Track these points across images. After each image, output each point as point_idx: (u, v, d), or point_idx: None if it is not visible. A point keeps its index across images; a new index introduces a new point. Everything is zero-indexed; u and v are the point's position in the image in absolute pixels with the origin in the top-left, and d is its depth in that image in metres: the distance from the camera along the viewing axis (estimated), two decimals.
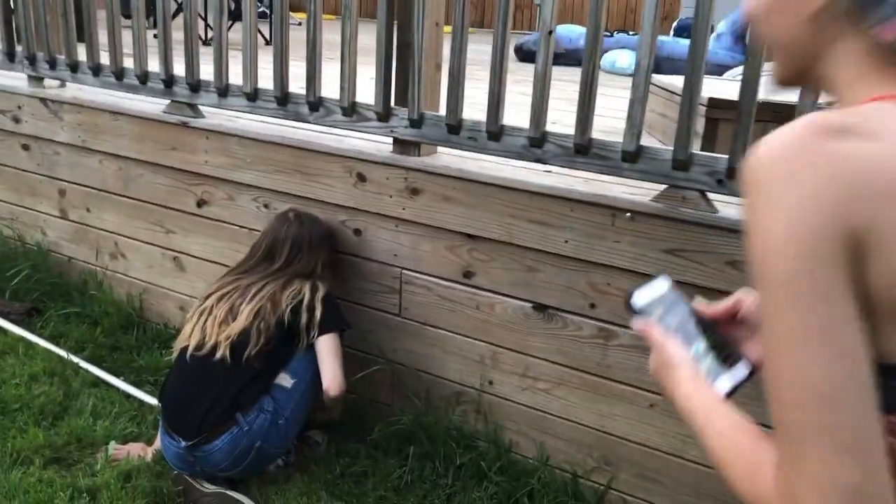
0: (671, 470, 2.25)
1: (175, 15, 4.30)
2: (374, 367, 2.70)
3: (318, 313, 2.39)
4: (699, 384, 0.86)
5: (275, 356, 2.38)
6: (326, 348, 2.39)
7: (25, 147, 3.48)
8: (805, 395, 0.65)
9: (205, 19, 5.75)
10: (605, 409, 2.32)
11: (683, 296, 0.96)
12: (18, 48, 3.38)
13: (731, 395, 0.86)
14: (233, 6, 5.63)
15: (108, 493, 2.27)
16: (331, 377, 2.36)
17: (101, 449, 2.50)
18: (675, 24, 7.52)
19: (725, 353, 0.90)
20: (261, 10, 7.30)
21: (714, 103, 2.56)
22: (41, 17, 3.20)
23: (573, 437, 2.40)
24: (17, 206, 3.61)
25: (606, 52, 5.74)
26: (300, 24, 2.69)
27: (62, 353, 2.99)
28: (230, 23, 4.27)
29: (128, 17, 3.03)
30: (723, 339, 0.92)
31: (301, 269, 2.50)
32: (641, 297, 0.95)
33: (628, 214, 2.13)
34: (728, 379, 0.88)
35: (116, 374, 2.91)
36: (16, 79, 3.48)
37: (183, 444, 2.30)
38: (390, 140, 2.55)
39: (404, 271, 2.59)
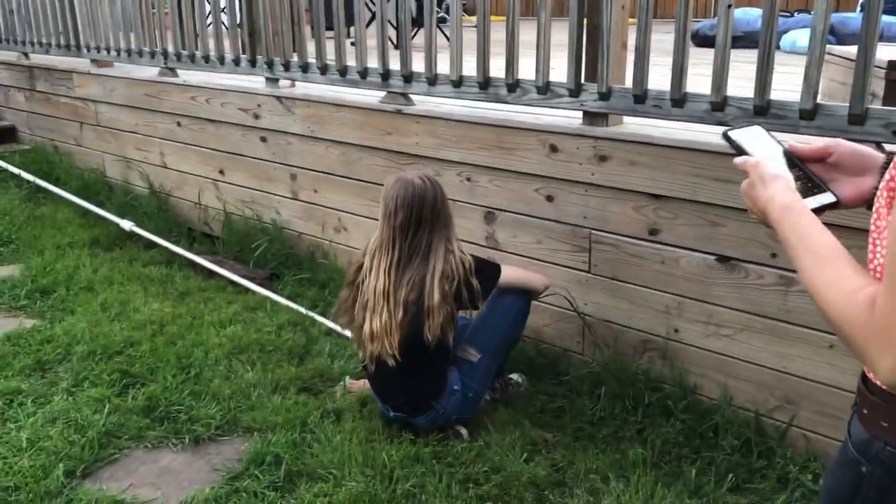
0: None
1: (369, 23, 4.84)
2: (566, 318, 3.03)
3: (475, 284, 2.55)
4: (796, 196, 0.97)
5: (442, 345, 2.55)
6: (514, 274, 2.78)
7: (263, 139, 4.11)
8: None
9: (395, 26, 6.32)
10: (785, 352, 2.51)
11: (775, 137, 1.06)
12: (258, 56, 4.01)
13: (815, 213, 0.96)
14: (415, 13, 6.18)
15: (349, 414, 2.75)
16: (541, 280, 2.83)
17: (339, 383, 2.99)
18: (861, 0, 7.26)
19: (813, 185, 1.00)
20: (440, 15, 7.86)
21: (894, 65, 2.66)
22: (279, 27, 3.79)
23: (755, 378, 2.60)
24: (256, 191, 4.25)
25: (786, 31, 5.72)
26: (473, 25, 3.08)
27: (301, 309, 3.55)
28: (414, 30, 4.77)
29: (330, 28, 3.55)
30: (811, 173, 1.02)
31: (438, 238, 2.56)
32: (738, 133, 1.07)
33: None
34: (813, 201, 0.98)
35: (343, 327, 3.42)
36: (255, 81, 4.12)
37: (392, 413, 2.69)
38: (580, 113, 2.87)
39: (593, 232, 2.90)
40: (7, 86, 6.16)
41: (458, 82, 3.12)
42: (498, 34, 2.96)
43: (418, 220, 2.55)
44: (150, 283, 3.87)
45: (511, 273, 2.80)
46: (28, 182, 5.28)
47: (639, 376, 2.84)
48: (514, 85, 2.95)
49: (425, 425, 2.68)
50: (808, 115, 2.28)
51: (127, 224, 4.48)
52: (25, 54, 5.87)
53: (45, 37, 5.51)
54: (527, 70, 2.93)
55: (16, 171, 5.42)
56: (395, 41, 4.69)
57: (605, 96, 2.71)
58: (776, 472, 2.44)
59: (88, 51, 5.16)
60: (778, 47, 2.32)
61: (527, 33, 2.90)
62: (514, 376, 2.97)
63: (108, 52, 4.99)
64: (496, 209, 3.16)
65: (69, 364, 3.08)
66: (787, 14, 6.47)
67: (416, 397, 2.66)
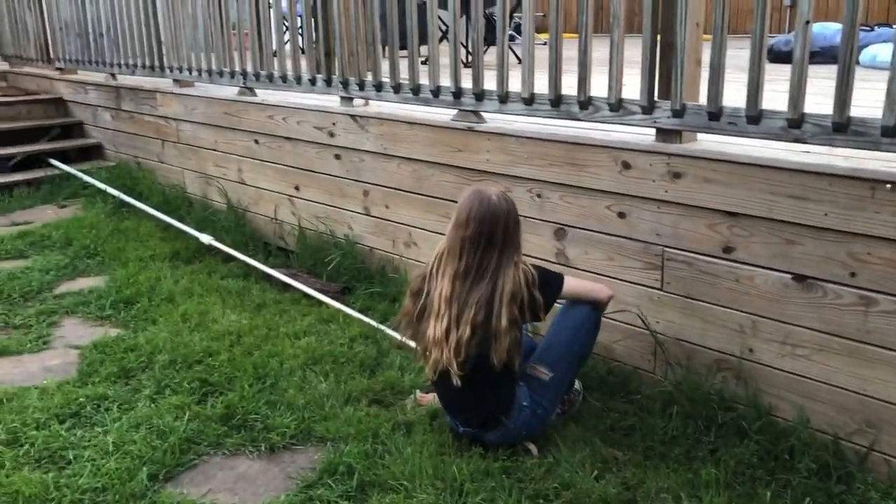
0: None
1: (441, 39, 4.91)
2: (638, 336, 3.01)
3: (539, 299, 2.56)
4: None
5: (511, 357, 2.54)
6: (577, 286, 2.77)
7: (337, 157, 4.21)
8: None
9: (465, 46, 6.40)
10: (866, 374, 2.45)
11: None
12: (333, 76, 4.12)
13: None
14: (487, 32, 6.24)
15: (420, 427, 2.79)
16: (604, 291, 2.80)
17: (409, 396, 3.04)
18: None
19: None
20: (510, 33, 7.93)
21: None
22: (354, 47, 3.90)
23: (833, 401, 2.54)
24: (330, 206, 4.36)
25: (867, 46, 5.57)
26: (544, 43, 3.11)
27: (372, 322, 3.62)
28: (486, 47, 4.81)
29: (403, 48, 3.63)
30: None
31: (509, 254, 2.56)
32: None
33: (888, 186, 2.27)
34: None
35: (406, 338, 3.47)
36: (330, 100, 4.23)
37: (461, 428, 2.72)
38: (653, 130, 2.86)
39: (666, 249, 2.88)
40: (95, 105, 6.46)
41: (530, 100, 3.16)
42: (569, 51, 2.99)
43: (489, 237, 2.54)
44: (227, 295, 4.00)
45: (574, 284, 2.79)
46: (113, 197, 5.52)
47: (712, 396, 2.80)
48: (586, 102, 2.97)
49: (494, 441, 2.69)
50: (891, 133, 2.24)
51: (206, 238, 4.64)
52: (113, 75, 6.16)
53: (132, 58, 5.78)
54: (598, 87, 2.95)
55: (102, 186, 5.67)
56: (466, 59, 4.80)
57: (678, 113, 2.70)
58: (856, 498, 2.37)
59: (171, 71, 5.39)
60: (857, 62, 2.27)
61: (598, 50, 2.91)
62: (575, 385, 2.97)
63: (190, 72, 5.20)
64: (567, 226, 3.17)
65: (152, 372, 3.21)
66: (868, 28, 6.30)
67: (484, 413, 2.67)
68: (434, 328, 2.58)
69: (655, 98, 2.79)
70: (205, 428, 2.80)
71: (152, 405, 2.95)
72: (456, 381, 2.54)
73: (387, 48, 3.80)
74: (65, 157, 6.33)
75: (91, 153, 6.53)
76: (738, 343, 2.75)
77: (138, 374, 3.22)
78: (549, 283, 2.67)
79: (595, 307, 2.82)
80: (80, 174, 5.95)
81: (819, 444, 2.56)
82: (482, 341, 2.52)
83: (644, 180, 2.86)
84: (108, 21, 5.93)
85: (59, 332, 3.68)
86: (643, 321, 2.98)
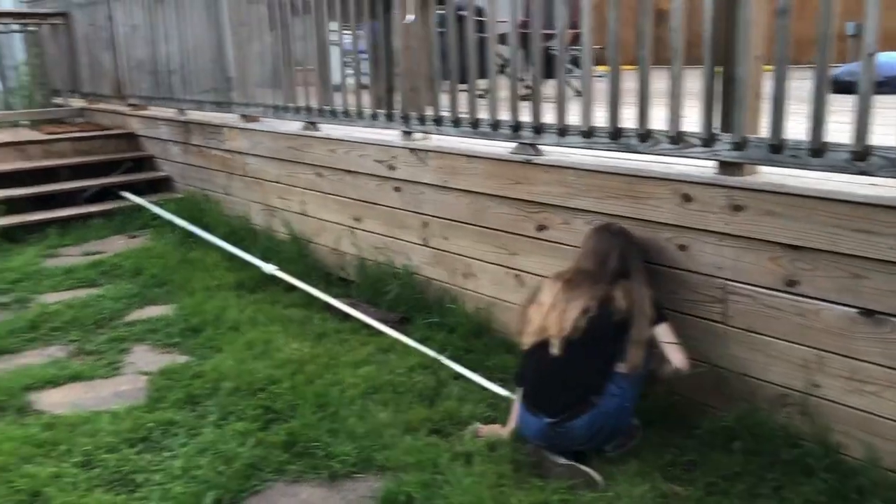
0: None
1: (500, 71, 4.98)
2: (698, 370, 2.98)
3: (647, 309, 2.77)
4: None
5: (609, 347, 2.78)
6: (668, 335, 2.80)
7: (397, 189, 4.29)
8: None
9: (522, 79, 6.48)
10: None
11: None
12: (394, 110, 4.22)
13: None
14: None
15: (479, 458, 2.80)
16: (681, 357, 2.80)
17: (468, 427, 3.05)
18: None
19: None
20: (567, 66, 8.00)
21: None
22: (415, 83, 3.99)
23: None
24: (389, 238, 4.43)
25: None
26: (600, 76, 3.14)
27: (430, 352, 3.65)
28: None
29: (463, 81, 3.71)
30: None
31: (625, 273, 2.89)
32: None
33: None
34: None
35: (473, 370, 3.49)
36: (391, 134, 4.33)
37: (546, 420, 2.77)
38: (713, 163, 2.86)
39: (728, 282, 2.85)
40: (165, 140, 6.72)
41: (589, 133, 3.18)
42: (627, 83, 3.01)
43: (601, 261, 2.93)
44: (290, 324, 4.09)
45: (669, 331, 2.85)
46: (181, 228, 5.71)
47: (776, 432, 2.75)
48: (645, 135, 2.98)
49: (579, 435, 2.73)
50: None
51: (269, 268, 4.76)
52: (182, 111, 6.40)
53: (200, 95, 6.00)
54: (658, 119, 2.96)
55: (170, 217, 5.88)
56: (524, 93, 4.85)
57: (739, 146, 2.70)
58: None
59: (238, 107, 5.58)
60: None
61: (656, 82, 2.93)
62: (633, 420, 2.94)
63: (256, 108, 5.38)
64: None
65: (217, 399, 3.29)
66: None
67: (577, 392, 2.75)
68: (546, 295, 2.90)
69: (716, 130, 2.78)
70: (268, 454, 2.86)
71: (218, 431, 3.03)
72: (556, 350, 2.77)
73: (446, 82, 3.89)
74: (136, 189, 6.57)
75: (160, 185, 6.78)
76: (802, 378, 2.70)
77: (204, 400, 3.30)
78: (656, 307, 2.86)
79: (667, 362, 2.85)
80: (150, 206, 6.18)
81: (890, 483, 2.48)
82: (598, 315, 2.77)
83: (705, 213, 2.85)
84: (179, 60, 6.18)
85: (129, 358, 3.81)
86: (704, 354, 2.95)
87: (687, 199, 2.90)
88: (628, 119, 3.05)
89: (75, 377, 3.58)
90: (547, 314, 2.88)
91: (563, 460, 2.74)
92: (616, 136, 3.09)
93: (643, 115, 2.96)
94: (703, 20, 2.68)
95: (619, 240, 2.96)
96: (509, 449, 2.86)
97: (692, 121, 2.85)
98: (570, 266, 3.06)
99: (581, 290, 2.88)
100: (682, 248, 2.97)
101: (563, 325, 2.82)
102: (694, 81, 2.84)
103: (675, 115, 2.86)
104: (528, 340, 2.95)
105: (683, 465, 2.76)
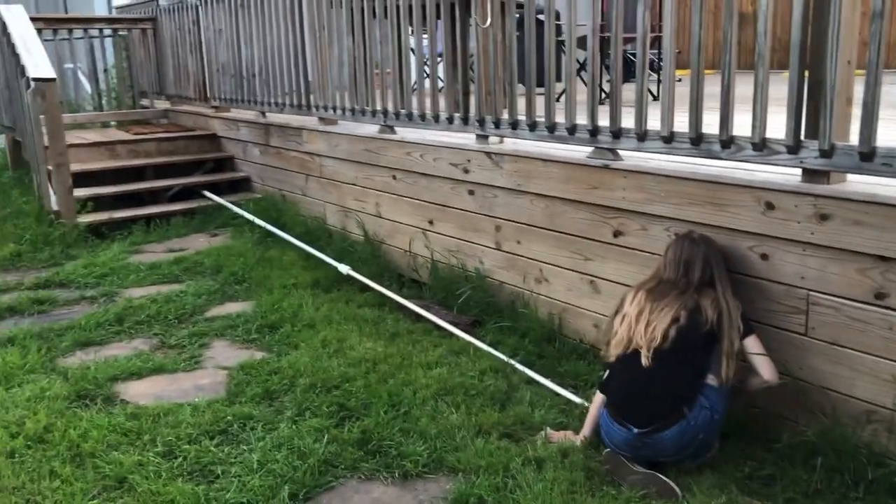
0: None
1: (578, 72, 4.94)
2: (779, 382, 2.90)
3: (736, 320, 2.73)
4: None
5: (699, 358, 2.75)
6: (757, 347, 2.76)
7: (471, 192, 4.31)
8: None
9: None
10: None
11: None
12: (470, 114, 4.24)
13: None
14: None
15: (551, 464, 2.79)
16: (771, 370, 2.76)
17: (540, 432, 3.04)
18: None
19: None
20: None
21: None
22: (491, 87, 4.00)
23: None
24: (462, 240, 4.46)
25: None
26: (679, 80, 3.09)
27: (502, 356, 3.66)
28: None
29: (540, 85, 3.71)
30: None
31: (710, 282, 2.84)
32: None
33: None
34: None
35: (544, 376, 3.48)
36: (466, 138, 4.35)
37: (635, 430, 2.73)
38: (798, 171, 2.78)
39: (811, 293, 2.77)
40: (246, 141, 6.91)
41: (669, 138, 3.14)
42: (710, 88, 2.96)
43: (685, 269, 2.89)
44: (364, 324, 4.15)
45: (757, 343, 2.80)
46: (259, 227, 5.86)
47: (860, 449, 2.66)
48: (728, 141, 2.92)
49: (668, 446, 2.70)
50: None
51: (344, 268, 4.84)
52: (263, 113, 6.57)
53: (281, 97, 6.15)
54: (741, 125, 2.90)
55: (249, 217, 6.04)
56: (602, 96, 4.80)
57: (827, 154, 2.62)
58: None
59: (317, 110, 5.70)
60: None
61: (741, 86, 2.87)
62: None
63: (335, 111, 5.48)
64: None
65: (293, 395, 3.37)
66: None
67: (668, 402, 2.71)
68: (631, 306, 2.88)
69: (802, 137, 2.71)
70: (342, 451, 2.91)
71: (293, 426, 3.09)
72: (646, 360, 2.74)
73: (522, 86, 3.89)
74: (216, 189, 6.78)
75: (240, 186, 6.97)
76: (891, 394, 2.60)
77: (281, 396, 3.38)
78: (745, 319, 2.81)
79: (755, 375, 2.81)
80: (230, 205, 6.36)
81: None
82: (687, 325, 2.75)
83: (789, 222, 2.78)
84: (261, 63, 6.35)
85: (209, 353, 3.93)
86: (784, 366, 2.87)
87: (770, 207, 2.83)
88: (709, 124, 3.00)
89: (158, 369, 3.71)
90: (634, 325, 2.85)
91: (641, 469, 2.70)
92: (697, 141, 3.04)
93: (726, 120, 2.91)
94: (792, 24, 2.61)
95: (703, 248, 2.91)
96: (582, 456, 2.84)
97: (776, 127, 2.78)
98: (651, 275, 3.02)
99: (667, 299, 2.84)
100: (764, 257, 2.90)
101: (652, 335, 2.78)
102: (778, 86, 2.78)
103: (759, 121, 2.80)
104: (614, 352, 2.91)
105: (762, 479, 2.70)
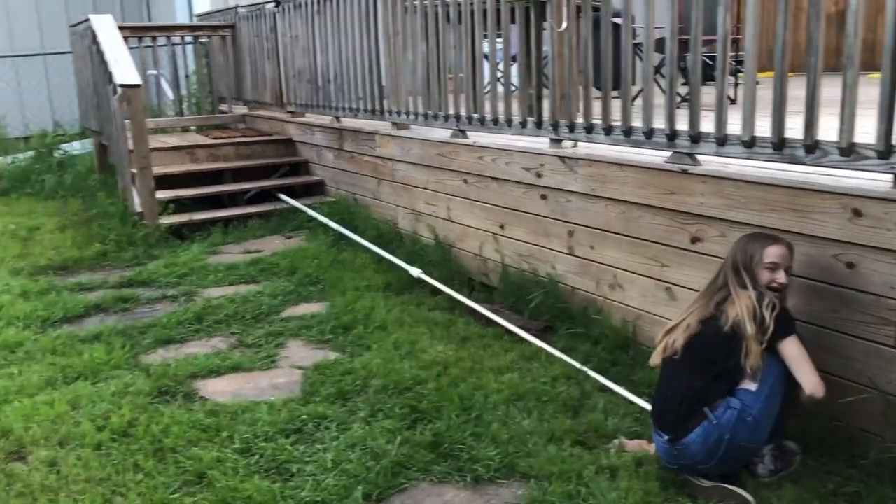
0: None
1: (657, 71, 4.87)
2: (865, 396, 2.79)
3: (768, 321, 2.62)
4: None
5: (722, 359, 2.68)
6: (792, 353, 2.64)
7: (543, 196, 4.29)
8: None
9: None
10: None
11: None
12: (544, 118, 4.23)
13: None
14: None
15: (625, 473, 2.75)
16: (813, 381, 2.60)
17: (613, 440, 3.00)
18: None
19: None
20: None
21: None
22: (566, 91, 3.98)
23: None
24: (533, 245, 4.44)
25: None
26: (757, 83, 3.00)
27: (574, 363, 3.63)
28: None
29: (616, 88, 3.66)
30: None
31: (744, 281, 2.74)
32: None
33: None
34: None
35: (618, 384, 3.43)
36: (539, 142, 4.33)
37: (665, 437, 2.70)
38: (888, 176, 2.67)
39: None
40: (320, 145, 7.03)
41: (750, 143, 3.06)
42: (794, 91, 2.87)
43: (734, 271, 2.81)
44: (434, 327, 4.18)
45: (794, 346, 2.66)
46: (333, 230, 5.96)
47: None
48: (812, 146, 2.84)
49: (696, 451, 2.64)
50: None
51: (415, 271, 4.88)
52: (337, 118, 6.68)
53: (355, 103, 6.24)
54: (826, 129, 2.81)
55: (323, 220, 6.14)
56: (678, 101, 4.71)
57: None
58: None
59: (390, 115, 5.76)
60: None
61: (826, 88, 2.78)
62: (789, 443, 2.80)
63: (407, 115, 5.53)
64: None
65: (366, 395, 3.41)
66: None
67: (688, 402, 2.67)
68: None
69: (894, 142, 2.61)
70: (414, 453, 2.93)
71: (367, 427, 3.13)
72: (666, 367, 2.79)
73: (597, 89, 3.85)
74: (291, 192, 6.92)
75: (314, 189, 7.10)
76: None
77: (354, 396, 3.43)
78: (779, 319, 2.64)
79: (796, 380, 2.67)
80: (304, 208, 6.48)
81: None
82: (705, 329, 2.72)
83: (878, 229, 2.68)
84: (335, 69, 6.46)
85: (284, 352, 4.01)
86: (871, 380, 2.76)
87: (858, 214, 2.73)
88: (792, 129, 2.91)
89: (236, 368, 3.81)
90: (674, 327, 2.87)
91: (707, 482, 2.65)
92: (780, 146, 2.95)
93: (811, 124, 2.82)
94: (886, 24, 2.51)
95: (735, 247, 2.85)
96: (656, 466, 2.80)
97: (865, 131, 2.68)
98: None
99: (698, 303, 2.85)
100: (850, 265, 2.79)
101: (674, 347, 2.79)
102: (866, 89, 2.68)
103: (847, 124, 2.70)
104: (655, 360, 2.93)
105: (847, 496, 2.60)
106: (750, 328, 2.62)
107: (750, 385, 2.68)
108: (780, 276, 2.76)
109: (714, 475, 2.68)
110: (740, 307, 2.66)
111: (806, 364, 2.64)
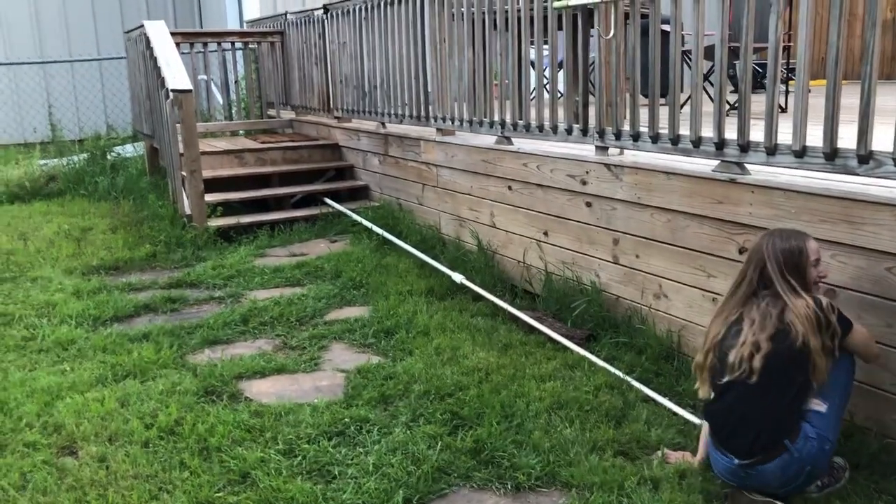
0: None
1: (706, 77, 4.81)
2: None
3: (834, 323, 2.57)
4: None
5: (794, 379, 2.59)
6: (861, 339, 2.67)
7: (588, 204, 4.27)
8: None
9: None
10: None
11: None
12: (590, 126, 4.21)
13: None
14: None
15: (668, 485, 2.72)
16: (874, 350, 2.66)
17: (656, 452, 2.97)
18: None
19: None
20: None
21: None
22: (612, 98, 3.96)
23: None
24: (577, 253, 4.41)
25: None
26: (808, 91, 2.94)
27: (617, 372, 3.59)
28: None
29: (663, 95, 3.63)
30: None
31: (794, 286, 2.62)
32: None
33: None
34: None
35: (662, 394, 3.39)
36: (584, 149, 4.31)
37: (736, 461, 2.64)
38: None
39: None
40: (366, 151, 7.09)
41: (801, 152, 3.01)
42: (847, 99, 2.82)
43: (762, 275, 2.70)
44: (476, 333, 4.18)
45: (863, 330, 2.68)
46: (377, 235, 6.00)
47: None
48: (866, 157, 2.78)
49: (774, 477, 2.58)
50: None
51: (458, 277, 4.89)
52: (383, 124, 6.73)
53: (400, 108, 6.29)
54: (880, 139, 2.75)
55: (368, 224, 6.19)
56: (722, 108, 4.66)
57: None
58: None
59: (435, 121, 5.79)
60: None
61: (881, 97, 2.72)
62: (838, 459, 2.74)
63: (453, 122, 5.55)
64: (837, 286, 2.95)
65: (408, 400, 3.43)
66: None
67: (768, 433, 2.59)
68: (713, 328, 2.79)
69: None
70: (455, 459, 2.93)
71: (408, 432, 3.14)
72: (752, 379, 2.60)
73: (643, 97, 3.82)
74: (337, 196, 7.00)
75: (359, 194, 7.16)
76: None
77: (396, 400, 3.45)
78: (840, 319, 2.62)
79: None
80: (349, 213, 6.54)
81: None
82: (778, 342, 2.58)
83: None
84: (382, 75, 6.51)
85: (328, 355, 4.05)
86: None
87: None
88: (844, 138, 2.85)
89: (280, 369, 3.86)
90: (729, 343, 2.72)
91: (760, 497, 2.60)
92: (832, 156, 2.90)
93: (864, 134, 2.76)
94: None
95: (767, 249, 2.70)
96: (700, 479, 2.76)
97: None
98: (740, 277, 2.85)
99: (758, 310, 2.66)
100: None
101: (741, 366, 2.62)
102: None
103: None
104: (704, 391, 2.83)
105: None
106: (815, 342, 2.54)
107: (819, 405, 2.62)
108: (822, 268, 2.73)
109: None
110: (801, 320, 2.55)
111: (873, 340, 2.70)
